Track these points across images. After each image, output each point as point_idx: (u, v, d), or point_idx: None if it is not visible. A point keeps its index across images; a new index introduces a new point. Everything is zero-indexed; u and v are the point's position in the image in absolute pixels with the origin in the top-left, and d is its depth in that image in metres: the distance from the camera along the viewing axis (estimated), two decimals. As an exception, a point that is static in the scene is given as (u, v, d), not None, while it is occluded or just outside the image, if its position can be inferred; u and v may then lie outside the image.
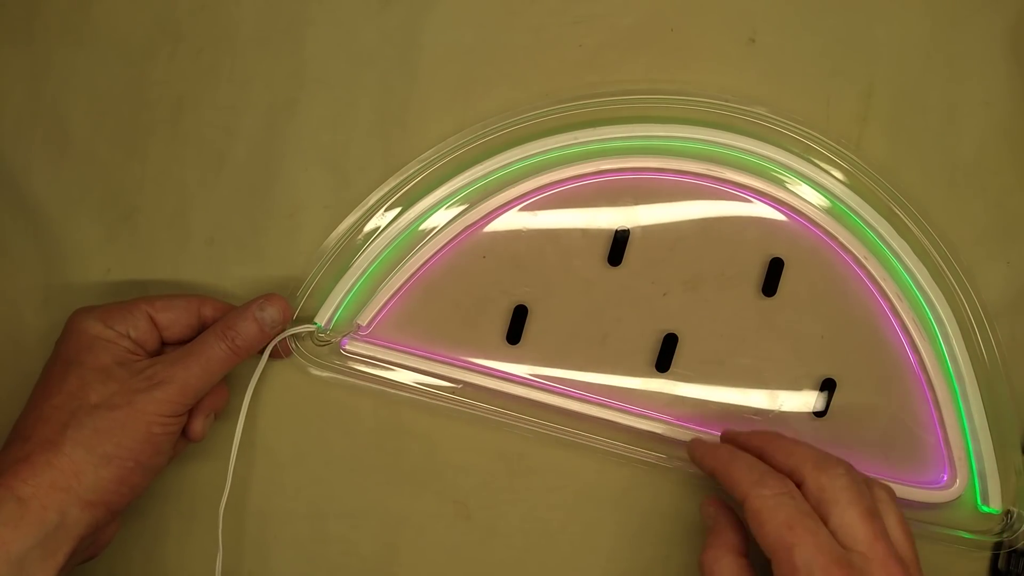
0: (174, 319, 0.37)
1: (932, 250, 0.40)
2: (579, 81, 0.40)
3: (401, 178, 0.39)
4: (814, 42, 0.40)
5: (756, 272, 0.40)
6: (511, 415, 0.40)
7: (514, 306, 0.40)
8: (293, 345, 0.40)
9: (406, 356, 0.40)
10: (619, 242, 0.40)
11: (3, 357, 0.40)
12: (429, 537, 0.41)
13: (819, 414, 0.40)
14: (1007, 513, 0.41)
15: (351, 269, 0.40)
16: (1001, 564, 0.43)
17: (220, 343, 0.36)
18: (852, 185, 0.39)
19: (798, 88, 0.41)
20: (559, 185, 0.40)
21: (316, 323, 0.39)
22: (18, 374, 0.39)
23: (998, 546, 0.41)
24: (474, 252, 0.40)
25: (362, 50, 0.39)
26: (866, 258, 0.39)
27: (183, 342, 0.37)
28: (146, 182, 0.39)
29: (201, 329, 0.38)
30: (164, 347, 0.38)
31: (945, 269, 0.40)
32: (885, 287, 0.39)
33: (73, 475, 0.33)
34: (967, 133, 0.41)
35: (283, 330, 0.38)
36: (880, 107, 0.41)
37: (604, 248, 0.40)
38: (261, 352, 0.38)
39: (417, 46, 0.39)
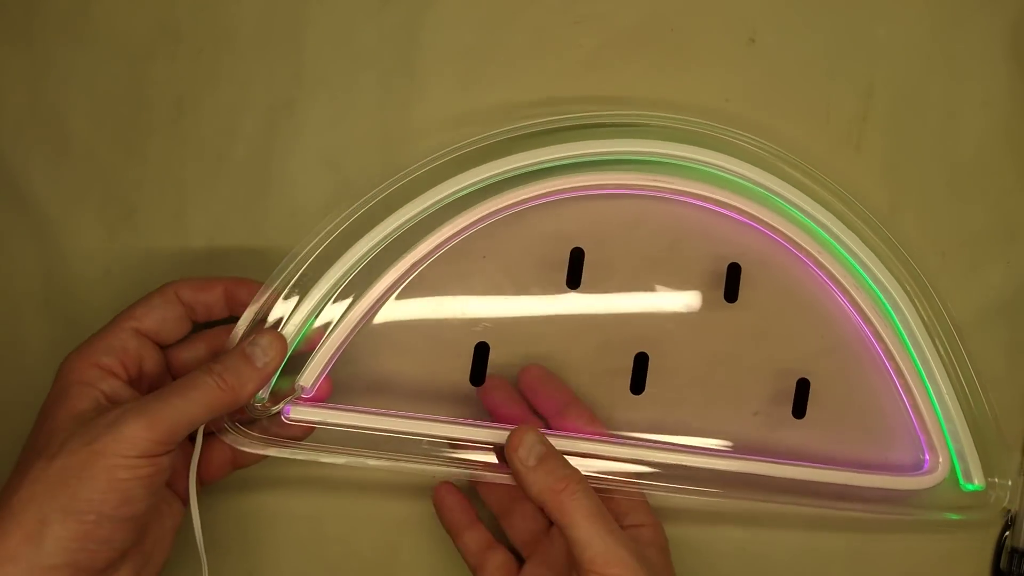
0: (160, 318, 0.34)
1: (881, 244, 0.39)
2: (579, 82, 0.40)
3: (401, 182, 0.39)
4: (814, 42, 0.40)
5: (715, 280, 0.40)
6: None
7: (475, 344, 0.39)
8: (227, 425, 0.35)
9: (369, 417, 0.36)
10: (576, 261, 0.39)
11: (3, 357, 0.40)
12: (429, 537, 0.41)
13: (798, 416, 0.40)
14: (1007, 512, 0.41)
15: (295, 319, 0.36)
16: (1003, 564, 0.43)
17: (206, 376, 0.32)
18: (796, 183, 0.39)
19: (798, 88, 0.41)
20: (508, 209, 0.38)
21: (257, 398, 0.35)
22: (18, 374, 0.39)
23: (1004, 530, 0.41)
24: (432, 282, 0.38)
25: (362, 50, 0.39)
26: (820, 253, 0.38)
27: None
28: (146, 182, 0.39)
29: (191, 315, 0.35)
30: (171, 357, 0.36)
31: (891, 256, 0.39)
32: (842, 280, 0.39)
33: (25, 540, 0.28)
34: (967, 133, 0.41)
35: (277, 369, 0.34)
36: (880, 107, 0.41)
37: (562, 270, 0.39)
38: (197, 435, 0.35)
39: (417, 46, 0.39)
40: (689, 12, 0.40)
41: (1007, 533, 0.43)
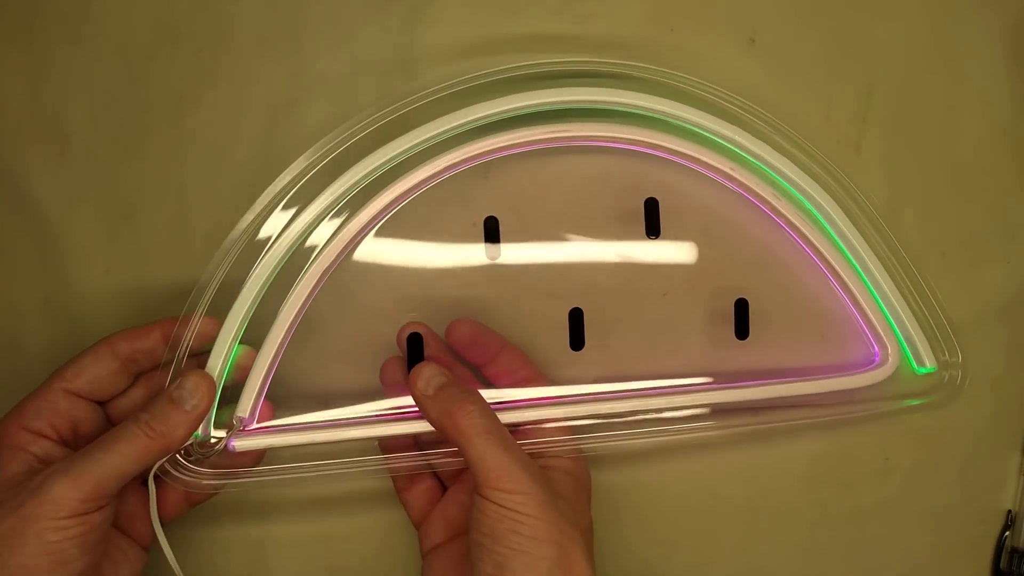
0: (93, 377, 0.34)
1: (787, 145, 0.39)
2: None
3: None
4: (814, 42, 0.40)
5: (635, 219, 0.40)
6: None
7: (407, 335, 0.38)
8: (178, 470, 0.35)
9: (317, 433, 0.37)
10: (491, 231, 0.39)
11: (3, 358, 0.40)
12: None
13: (741, 337, 0.40)
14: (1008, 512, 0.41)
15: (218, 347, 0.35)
16: (1003, 564, 0.43)
17: (133, 426, 0.32)
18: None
19: (798, 88, 0.41)
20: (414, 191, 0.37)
21: (195, 434, 0.35)
22: (17, 375, 0.39)
23: (1004, 530, 0.42)
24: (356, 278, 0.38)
25: (362, 50, 0.39)
26: (732, 169, 0.38)
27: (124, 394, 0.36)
28: (146, 182, 0.39)
29: (130, 368, 0.35)
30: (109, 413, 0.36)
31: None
32: (759, 191, 0.38)
33: None
34: (967, 133, 0.41)
35: (209, 408, 0.34)
36: (880, 107, 0.41)
37: (479, 241, 0.39)
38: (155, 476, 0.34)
39: (417, 46, 0.39)
40: (689, 12, 0.40)
41: (1007, 533, 0.43)
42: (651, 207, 0.39)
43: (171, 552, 0.35)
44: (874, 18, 0.40)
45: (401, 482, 0.39)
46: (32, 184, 0.39)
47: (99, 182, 0.39)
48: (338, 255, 0.37)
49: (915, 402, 0.40)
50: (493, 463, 0.32)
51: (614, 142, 0.38)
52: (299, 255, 0.37)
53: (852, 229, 0.39)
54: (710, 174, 0.38)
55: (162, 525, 0.35)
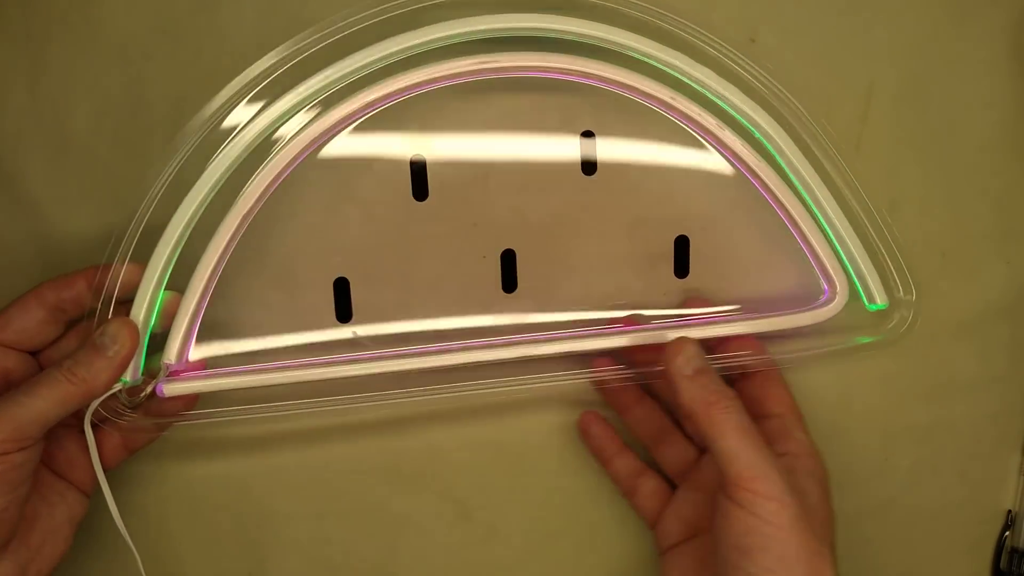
0: (21, 327, 0.35)
1: (742, 71, 0.37)
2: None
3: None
4: (814, 42, 0.40)
5: (570, 154, 0.38)
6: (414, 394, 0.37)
7: (333, 279, 0.38)
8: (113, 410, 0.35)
9: (244, 378, 0.36)
10: (418, 173, 0.38)
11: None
12: (429, 537, 0.41)
13: (680, 275, 0.39)
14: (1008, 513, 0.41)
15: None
16: (1003, 564, 0.43)
17: (55, 371, 0.33)
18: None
19: (798, 88, 0.40)
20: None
21: (122, 379, 0.35)
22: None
23: (1004, 530, 0.41)
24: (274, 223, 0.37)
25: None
26: (673, 99, 0.36)
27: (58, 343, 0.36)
28: (146, 182, 0.39)
29: (58, 317, 0.36)
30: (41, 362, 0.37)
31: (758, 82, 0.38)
32: (702, 121, 0.36)
33: None
34: (967, 133, 0.41)
35: (132, 354, 0.34)
36: (880, 107, 0.41)
37: (405, 184, 0.38)
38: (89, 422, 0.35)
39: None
40: (689, 12, 0.40)
41: (1007, 533, 0.43)
42: (587, 141, 0.37)
43: (111, 496, 0.35)
44: (874, 18, 0.40)
45: (626, 486, 0.40)
46: (32, 184, 0.39)
47: (99, 182, 0.39)
48: (257, 200, 0.36)
49: (866, 340, 0.39)
50: (747, 461, 0.32)
51: (546, 72, 0.35)
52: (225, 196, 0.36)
53: (802, 160, 0.37)
54: (650, 104, 0.36)
55: (104, 471, 0.36)
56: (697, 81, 0.36)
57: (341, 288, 0.38)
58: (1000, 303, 0.42)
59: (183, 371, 0.36)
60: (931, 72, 0.41)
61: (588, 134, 0.38)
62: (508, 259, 0.39)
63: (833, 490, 0.43)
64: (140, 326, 0.35)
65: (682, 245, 0.39)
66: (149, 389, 0.36)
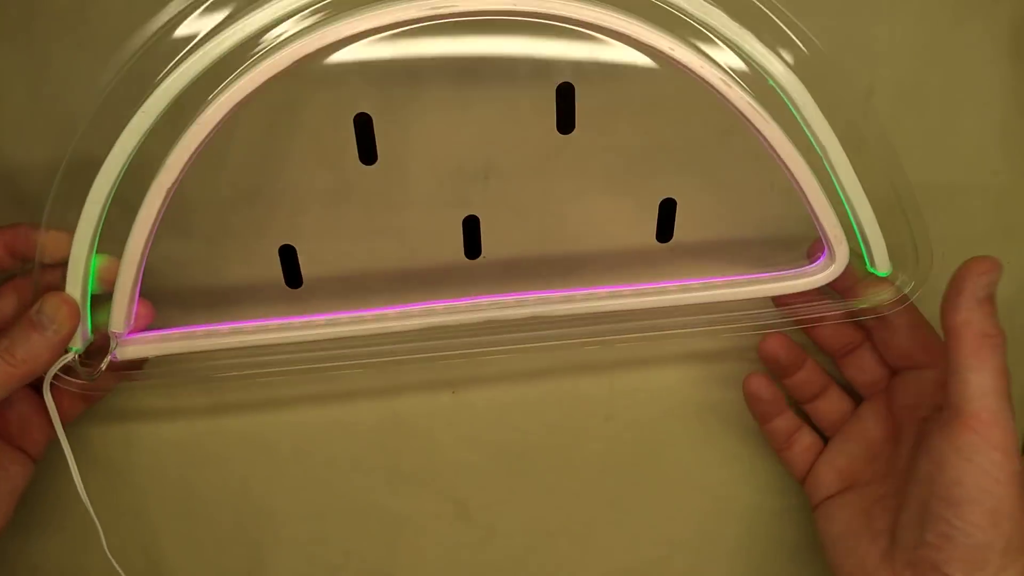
0: None
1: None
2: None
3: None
4: (814, 42, 0.40)
5: (546, 107, 0.33)
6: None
7: (278, 247, 0.36)
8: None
9: (196, 341, 0.35)
10: (364, 125, 0.34)
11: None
12: (429, 537, 0.41)
13: (663, 239, 0.37)
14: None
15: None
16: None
17: None
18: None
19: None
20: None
21: (72, 348, 0.34)
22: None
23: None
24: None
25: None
26: (672, 49, 0.30)
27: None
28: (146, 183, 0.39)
29: (12, 265, 0.34)
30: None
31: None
32: (698, 71, 0.31)
33: None
34: (967, 133, 0.41)
35: (72, 332, 0.33)
36: (880, 107, 0.41)
37: (351, 145, 0.34)
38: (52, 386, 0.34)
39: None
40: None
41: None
42: (565, 95, 0.33)
43: (73, 459, 0.35)
44: (874, 18, 0.40)
45: (782, 443, 0.40)
46: (32, 184, 0.39)
47: (99, 182, 0.39)
48: (181, 169, 0.33)
49: (862, 304, 0.37)
50: (992, 406, 0.31)
51: (510, 15, 0.29)
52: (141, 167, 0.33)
53: (820, 119, 0.34)
54: (644, 54, 0.31)
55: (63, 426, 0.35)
56: (709, 27, 0.31)
57: (288, 255, 0.36)
58: (1000, 303, 0.42)
59: (132, 333, 0.35)
60: (931, 72, 0.41)
61: (567, 86, 0.33)
62: (471, 225, 0.36)
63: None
64: (79, 299, 0.33)
65: (668, 208, 0.37)
66: (104, 365, 0.35)
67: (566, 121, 0.33)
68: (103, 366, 0.35)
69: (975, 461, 0.30)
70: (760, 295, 0.36)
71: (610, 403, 0.42)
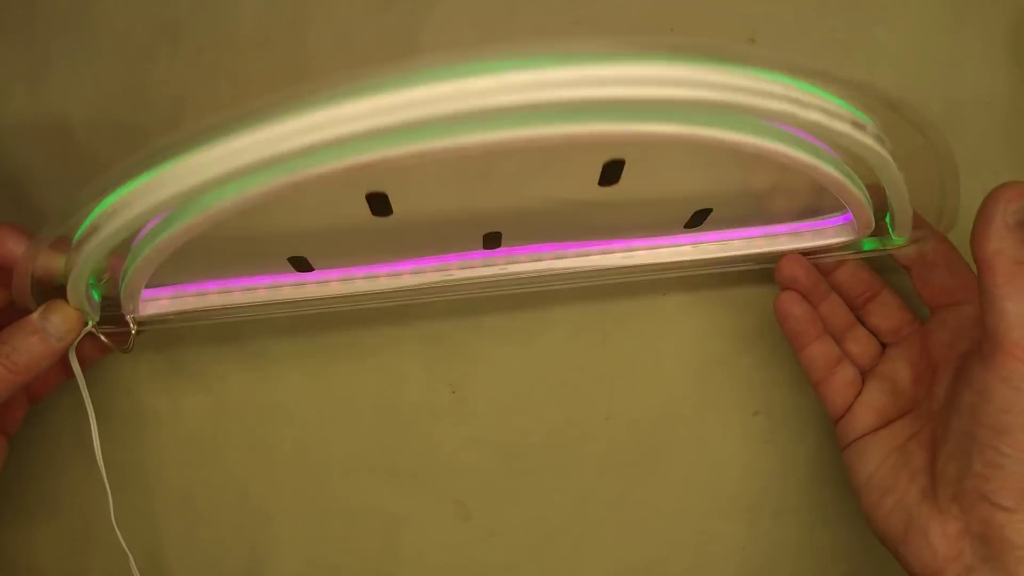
0: None
1: None
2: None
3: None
4: (814, 42, 0.40)
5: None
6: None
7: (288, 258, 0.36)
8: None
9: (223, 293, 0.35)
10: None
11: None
12: (428, 537, 0.41)
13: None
14: None
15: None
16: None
17: None
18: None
19: (798, 88, 0.40)
20: None
21: (91, 318, 0.34)
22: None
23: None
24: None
25: (362, 50, 0.39)
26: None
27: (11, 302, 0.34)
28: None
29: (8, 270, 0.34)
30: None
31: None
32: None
33: None
34: (967, 133, 0.41)
35: (76, 338, 0.33)
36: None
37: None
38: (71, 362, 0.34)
39: (417, 46, 0.39)
40: (689, 12, 0.40)
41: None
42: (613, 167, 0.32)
43: (91, 406, 0.34)
44: (874, 18, 0.40)
45: (821, 374, 0.38)
46: (32, 184, 0.39)
47: (99, 182, 0.39)
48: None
49: (871, 245, 0.37)
50: None
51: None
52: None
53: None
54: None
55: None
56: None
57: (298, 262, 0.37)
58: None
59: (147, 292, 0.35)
60: (931, 72, 0.41)
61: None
62: (492, 242, 0.37)
63: (834, 490, 0.42)
64: (82, 297, 0.33)
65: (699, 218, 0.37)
66: (131, 345, 0.35)
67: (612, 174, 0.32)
68: (130, 345, 0.35)
69: (1022, 389, 0.30)
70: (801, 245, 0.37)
71: (610, 403, 0.42)
